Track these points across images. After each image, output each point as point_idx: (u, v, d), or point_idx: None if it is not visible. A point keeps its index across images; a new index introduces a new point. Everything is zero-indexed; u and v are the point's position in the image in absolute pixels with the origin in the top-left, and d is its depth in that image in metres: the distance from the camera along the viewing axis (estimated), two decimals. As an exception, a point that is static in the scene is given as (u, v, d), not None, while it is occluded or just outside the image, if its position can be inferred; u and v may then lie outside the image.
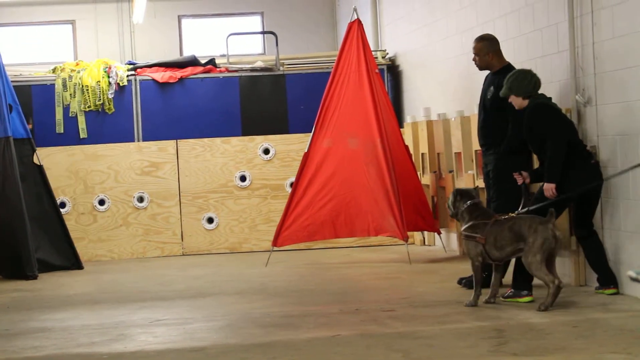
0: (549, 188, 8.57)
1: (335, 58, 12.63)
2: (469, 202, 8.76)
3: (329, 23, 19.10)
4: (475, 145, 10.93)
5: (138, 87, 14.43)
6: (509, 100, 8.92)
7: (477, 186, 10.38)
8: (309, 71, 14.74)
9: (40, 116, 14.14)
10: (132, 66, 14.72)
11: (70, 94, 14.18)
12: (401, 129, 13.12)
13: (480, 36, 9.75)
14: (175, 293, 10.35)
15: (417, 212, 12.37)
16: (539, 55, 9.76)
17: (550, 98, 8.87)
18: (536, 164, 9.24)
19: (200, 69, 14.69)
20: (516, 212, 8.61)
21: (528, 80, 8.80)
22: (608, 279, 8.74)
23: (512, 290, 8.76)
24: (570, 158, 8.57)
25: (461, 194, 8.87)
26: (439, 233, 12.71)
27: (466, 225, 8.71)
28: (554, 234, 8.30)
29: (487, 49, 9.55)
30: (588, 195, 8.70)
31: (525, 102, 8.79)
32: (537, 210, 8.59)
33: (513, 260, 8.79)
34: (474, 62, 9.70)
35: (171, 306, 9.48)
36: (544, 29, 9.85)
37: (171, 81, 14.46)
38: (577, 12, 9.15)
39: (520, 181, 8.97)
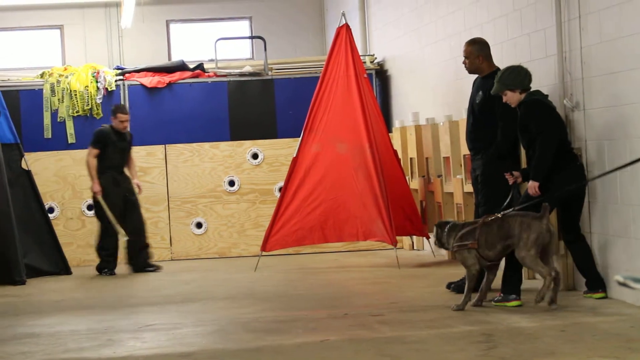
0: (533, 186, 8.60)
1: (324, 63, 12.65)
2: (447, 226, 8.82)
3: (317, 28, 19.11)
4: (464, 149, 10.94)
5: (126, 92, 14.43)
6: (504, 98, 8.88)
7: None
8: (298, 76, 14.76)
9: (29, 121, 14.12)
10: (120, 71, 14.72)
11: (59, 99, 14.16)
12: (390, 134, 13.13)
13: (472, 39, 9.76)
14: (164, 298, 10.33)
15: (405, 216, 12.38)
16: (527, 59, 9.78)
17: (546, 95, 8.88)
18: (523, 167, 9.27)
19: (189, 73, 14.69)
20: (502, 212, 8.61)
21: (524, 74, 8.82)
22: (596, 283, 8.76)
23: (501, 294, 8.77)
24: (557, 158, 8.59)
25: (440, 226, 8.92)
26: (428, 237, 12.72)
27: (456, 238, 8.71)
28: (548, 228, 8.31)
29: (477, 52, 9.55)
30: (572, 198, 8.73)
31: (522, 97, 8.78)
32: (523, 209, 8.62)
33: (502, 265, 8.80)
34: (463, 65, 9.71)
35: (160, 311, 9.46)
36: (532, 34, 9.87)
37: (159, 86, 14.45)
38: (565, 17, 9.17)
39: (511, 181, 8.98)
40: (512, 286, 8.73)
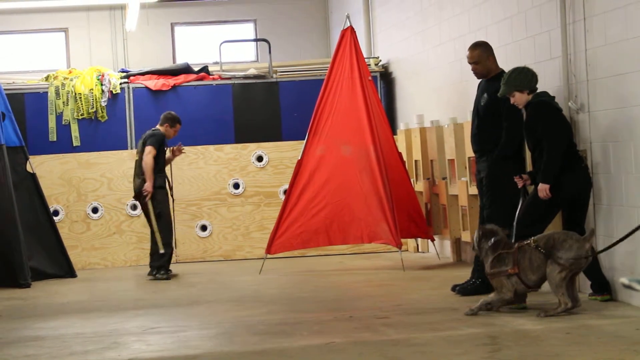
0: (543, 189, 8.58)
1: (328, 65, 12.65)
2: (492, 239, 8.47)
3: (321, 30, 19.11)
4: (469, 152, 10.94)
5: (131, 94, 14.42)
6: (511, 99, 8.87)
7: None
8: (302, 78, 14.75)
9: (33, 124, 14.13)
10: (125, 74, 14.72)
11: (63, 102, 14.17)
12: (394, 136, 13.12)
13: (475, 43, 9.73)
14: (169, 301, 10.34)
15: (410, 219, 12.38)
16: (532, 62, 9.77)
17: (553, 97, 8.88)
18: (529, 169, 9.26)
19: (193, 76, 14.69)
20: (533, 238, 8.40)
21: (530, 75, 8.85)
22: (601, 286, 8.75)
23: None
24: (563, 160, 8.59)
25: (485, 235, 8.54)
26: (433, 240, 12.71)
27: (489, 262, 8.44)
28: (587, 254, 8.17)
29: (486, 54, 9.55)
30: (576, 201, 8.72)
31: (529, 98, 8.79)
32: (525, 218, 8.63)
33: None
34: (473, 72, 9.66)
35: (165, 314, 9.47)
36: (537, 36, 9.86)
37: (164, 89, 14.45)
38: (570, 19, 9.17)
39: (520, 184, 8.97)
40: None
